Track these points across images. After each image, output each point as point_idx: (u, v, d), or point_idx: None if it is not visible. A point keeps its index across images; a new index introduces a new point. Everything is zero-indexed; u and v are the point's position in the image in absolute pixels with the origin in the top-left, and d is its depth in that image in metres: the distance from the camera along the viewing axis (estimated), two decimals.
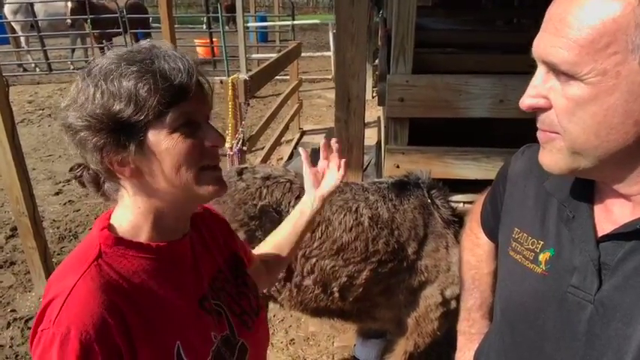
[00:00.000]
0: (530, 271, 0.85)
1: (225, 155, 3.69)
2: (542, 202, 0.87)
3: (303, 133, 6.17)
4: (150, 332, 0.75)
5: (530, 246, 0.86)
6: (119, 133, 0.73)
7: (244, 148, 3.67)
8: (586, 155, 0.69)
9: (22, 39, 10.93)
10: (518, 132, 3.24)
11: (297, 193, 1.79)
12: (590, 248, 0.76)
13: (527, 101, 0.72)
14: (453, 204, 2.67)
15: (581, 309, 0.76)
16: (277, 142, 5.05)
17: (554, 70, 0.69)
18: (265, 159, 4.40)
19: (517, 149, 2.71)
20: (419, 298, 1.95)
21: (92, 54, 10.97)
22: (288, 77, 6.51)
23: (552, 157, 0.73)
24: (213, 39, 11.21)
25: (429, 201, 1.95)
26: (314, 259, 1.77)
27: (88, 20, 10.29)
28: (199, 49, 12.02)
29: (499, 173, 1.05)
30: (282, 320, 2.99)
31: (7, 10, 10.91)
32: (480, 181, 2.63)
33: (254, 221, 1.73)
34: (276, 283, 1.81)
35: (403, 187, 1.97)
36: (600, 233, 0.76)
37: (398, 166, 2.52)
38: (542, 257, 0.83)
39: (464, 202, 2.75)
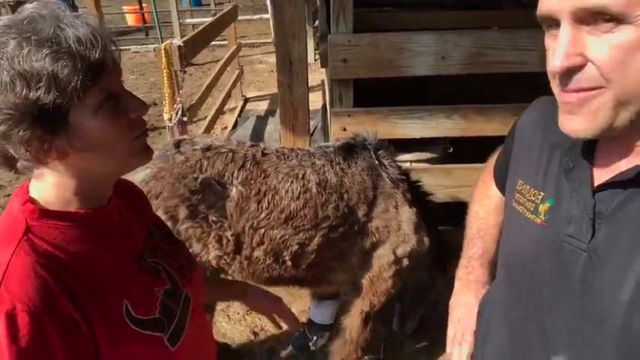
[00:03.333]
0: (530, 221, 0.86)
1: (165, 127, 3.52)
2: (547, 154, 0.87)
3: (246, 101, 5.99)
4: (96, 297, 0.76)
5: (531, 197, 0.87)
6: (42, 121, 0.70)
7: (184, 118, 3.50)
8: (631, 104, 0.67)
9: None
10: (457, 89, 3.28)
11: (240, 162, 1.71)
12: (586, 197, 0.77)
13: (560, 62, 0.67)
14: (400, 163, 2.69)
15: (575, 258, 0.77)
16: (220, 111, 4.87)
17: (589, 20, 0.64)
18: (208, 129, 4.23)
19: (459, 105, 2.68)
20: (372, 259, 1.95)
21: None
22: (226, 42, 6.24)
23: (589, 118, 0.69)
24: (143, 4, 10.53)
25: (377, 162, 1.93)
26: (262, 230, 1.71)
27: None
28: (129, 16, 11.31)
29: (512, 127, 1.04)
30: None
31: None
32: (425, 140, 2.65)
33: (196, 195, 1.64)
34: (225, 257, 1.75)
35: (350, 149, 1.93)
36: (597, 183, 0.77)
37: (345, 129, 2.48)
38: (541, 208, 0.84)
39: (411, 161, 2.78)
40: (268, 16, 9.01)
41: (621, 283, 0.71)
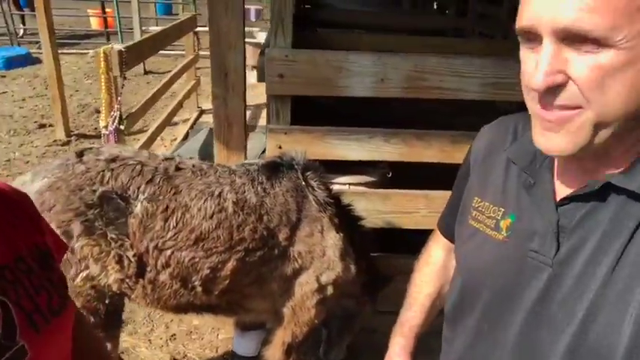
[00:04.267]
0: (491, 238, 0.86)
1: (100, 136, 3.33)
2: (504, 170, 0.88)
3: (201, 112, 5.82)
4: None
5: (491, 214, 0.87)
6: None
7: (121, 126, 3.33)
8: (611, 124, 0.67)
9: None
10: (396, 111, 3.24)
11: (148, 176, 1.57)
12: (550, 212, 0.78)
13: (542, 79, 0.65)
14: (336, 185, 2.60)
15: (539, 272, 0.78)
16: (167, 122, 4.69)
17: (573, 39, 0.64)
18: (152, 139, 4.05)
19: (399, 130, 2.60)
20: (294, 286, 1.84)
21: None
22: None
23: (569, 137, 0.68)
24: (107, 9, 10.26)
25: (303, 183, 1.83)
26: (169, 251, 1.57)
27: None
28: (93, 20, 11.01)
29: (464, 160, 1.05)
30: (162, 315, 2.76)
31: None
32: (365, 163, 2.58)
33: (92, 210, 1.49)
34: (127, 280, 1.59)
35: (275, 168, 1.82)
36: (560, 197, 0.78)
37: (280, 147, 2.38)
38: (503, 224, 0.84)
39: (349, 184, 2.69)
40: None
41: (581, 295, 0.73)
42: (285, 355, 2.00)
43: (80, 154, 1.57)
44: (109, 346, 1.71)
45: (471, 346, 0.92)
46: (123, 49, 3.27)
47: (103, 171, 1.53)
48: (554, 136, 0.70)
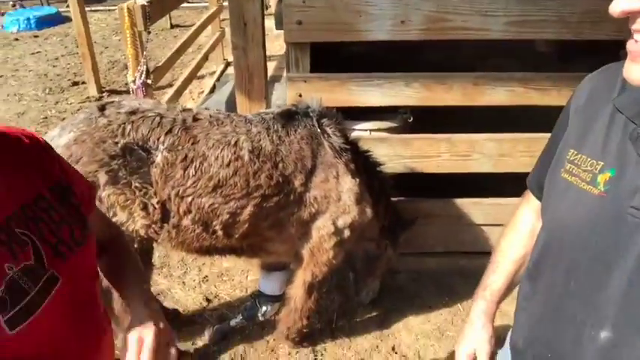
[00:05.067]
0: (586, 192, 0.81)
1: (129, 91, 3.42)
2: (607, 122, 0.83)
3: (227, 65, 5.83)
4: None
5: (588, 167, 0.82)
6: None
7: (149, 80, 3.40)
8: None
9: None
10: (422, 58, 3.16)
11: (167, 127, 1.64)
12: None
13: (621, 5, 0.65)
14: (356, 131, 2.61)
15: (639, 231, 0.73)
16: (194, 75, 4.74)
17: None
18: (179, 92, 4.13)
19: (419, 73, 2.54)
20: (311, 230, 1.91)
21: None
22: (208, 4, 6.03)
23: None
24: None
25: (319, 130, 1.86)
26: (189, 198, 1.66)
27: None
28: None
29: (563, 109, 0.99)
30: (195, 259, 2.93)
31: None
32: (385, 108, 2.56)
33: (116, 160, 1.57)
34: (153, 225, 1.70)
35: (291, 117, 1.85)
36: None
37: (301, 95, 2.39)
38: (601, 178, 0.80)
39: (370, 130, 2.70)
40: None
41: None
42: (307, 294, 2.11)
43: (102, 108, 1.65)
44: None
45: (555, 304, 0.88)
46: (146, 4, 3.29)
47: (124, 123, 1.61)
48: (635, 67, 0.69)
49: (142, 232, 1.71)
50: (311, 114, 1.88)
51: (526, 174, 2.47)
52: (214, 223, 1.72)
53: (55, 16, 8.30)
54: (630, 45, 0.69)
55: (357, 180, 1.90)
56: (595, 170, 0.81)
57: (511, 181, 2.66)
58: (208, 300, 2.69)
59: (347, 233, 1.94)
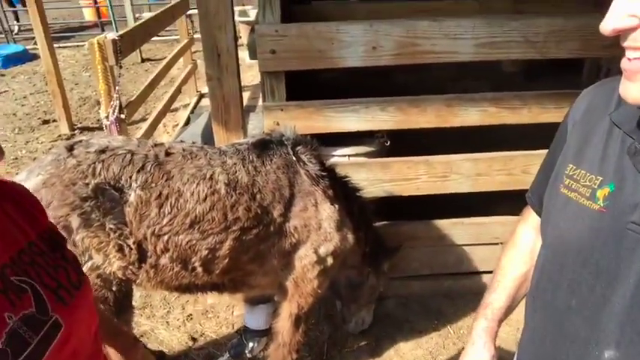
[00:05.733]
0: (586, 208, 0.81)
1: (103, 127, 3.36)
2: (605, 137, 0.82)
3: (201, 96, 5.82)
4: None
5: (587, 182, 0.82)
6: None
7: (122, 115, 3.35)
8: None
9: None
10: (394, 81, 3.21)
11: (139, 164, 1.60)
12: None
13: (612, 24, 0.65)
14: (335, 157, 2.61)
15: None
16: (168, 108, 4.70)
17: None
18: (153, 126, 4.08)
19: (394, 97, 2.57)
20: (294, 260, 1.87)
21: None
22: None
23: None
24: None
25: (294, 159, 1.84)
26: (166, 236, 1.61)
27: None
28: (85, 11, 10.97)
29: (561, 123, 0.99)
30: (178, 297, 2.84)
31: None
32: (363, 133, 2.57)
33: (88, 202, 1.52)
34: (130, 266, 1.64)
35: (265, 146, 1.83)
36: None
37: (278, 124, 2.38)
38: (600, 193, 0.79)
39: (348, 156, 2.70)
40: None
41: None
42: (294, 327, 2.05)
43: (70, 148, 1.60)
44: None
45: (558, 323, 0.86)
46: (117, 38, 3.27)
47: (94, 163, 1.56)
48: (631, 85, 0.68)
49: (120, 274, 1.64)
50: (285, 142, 1.86)
51: (503, 192, 2.48)
52: (193, 260, 1.67)
53: (23, 54, 8.19)
54: (624, 63, 0.69)
55: (337, 206, 1.88)
56: (594, 185, 0.81)
57: (491, 199, 2.70)
58: (194, 339, 2.60)
59: (330, 261, 1.91)
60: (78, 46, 8.71)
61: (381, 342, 2.57)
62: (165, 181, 1.62)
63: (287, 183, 1.79)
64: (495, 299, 1.12)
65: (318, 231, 1.84)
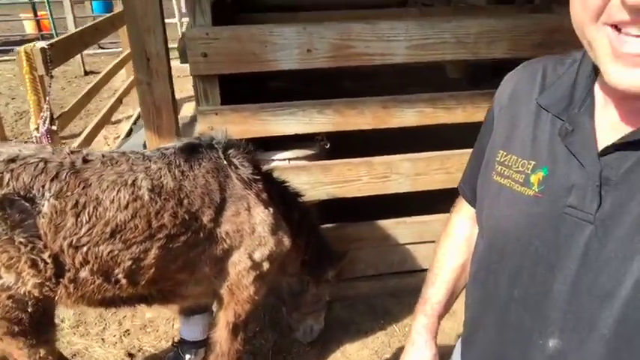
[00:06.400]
0: (520, 194, 0.79)
1: (33, 139, 3.20)
2: (533, 121, 0.81)
3: None
4: None
5: (519, 168, 0.80)
6: None
7: (54, 127, 3.20)
8: None
9: None
10: (341, 88, 3.22)
11: (53, 173, 1.50)
12: (591, 162, 0.70)
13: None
14: (275, 161, 2.57)
15: (579, 230, 0.70)
16: (107, 119, 4.54)
17: None
18: (90, 138, 3.92)
19: (331, 100, 2.59)
20: (227, 267, 1.81)
21: None
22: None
23: None
24: (39, 12, 9.81)
25: (225, 162, 1.79)
26: (85, 248, 1.51)
27: None
28: (26, 24, 10.54)
29: (487, 113, 0.97)
30: (115, 313, 2.71)
31: None
32: (302, 137, 2.55)
33: None
34: (47, 283, 1.53)
35: (193, 150, 1.77)
36: (603, 145, 0.69)
37: (212, 129, 2.32)
38: (534, 178, 0.77)
39: (289, 159, 2.67)
40: (175, 20, 8.65)
41: (632, 255, 0.65)
42: (232, 335, 1.98)
43: None
44: (41, 352, 1.66)
45: (501, 314, 0.84)
46: (46, 46, 3.13)
47: (2, 173, 1.45)
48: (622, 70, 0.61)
49: (36, 293, 1.53)
50: (216, 146, 1.81)
51: (443, 191, 2.50)
52: (116, 271, 1.58)
53: None
54: (628, 47, 0.62)
55: (271, 210, 1.84)
56: (527, 170, 0.79)
57: (432, 198, 2.73)
58: (131, 355, 2.48)
59: (266, 266, 1.86)
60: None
61: (328, 345, 2.54)
62: (83, 189, 1.53)
63: (217, 187, 1.74)
64: (434, 294, 1.09)
65: (251, 235, 1.80)
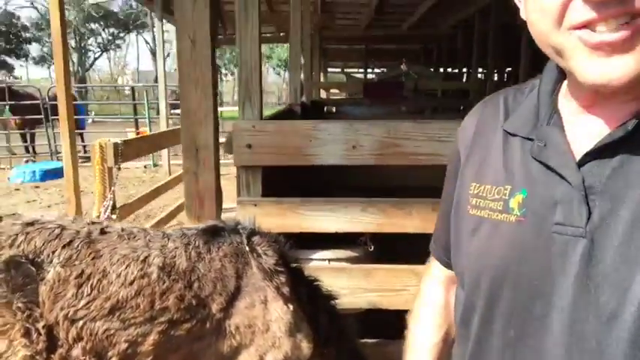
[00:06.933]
0: (501, 222, 0.75)
1: None
2: (502, 148, 0.80)
3: None
4: None
5: (495, 195, 0.77)
6: None
7: (113, 216, 3.33)
8: None
9: None
10: (374, 182, 3.12)
11: (66, 240, 1.47)
12: (572, 173, 0.68)
13: None
14: (314, 261, 2.41)
15: (571, 248, 0.66)
16: (164, 221, 4.68)
17: None
18: None
19: (376, 198, 2.49)
20: None
21: (11, 140, 10.58)
22: None
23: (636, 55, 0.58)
24: (140, 128, 11.14)
25: (247, 248, 1.67)
26: (81, 322, 1.40)
27: (7, 106, 10.00)
28: (130, 136, 11.93)
29: (450, 156, 0.97)
30: None
31: None
32: (343, 237, 2.40)
33: None
34: (37, 357, 1.41)
35: (215, 232, 1.68)
36: (579, 155, 0.68)
37: None
38: (513, 202, 0.74)
39: (329, 260, 2.50)
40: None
41: (631, 266, 0.60)
42: None
43: None
44: None
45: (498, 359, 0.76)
46: (119, 142, 3.40)
47: (17, 235, 1.44)
48: (622, 58, 0.58)
49: None
50: (240, 231, 1.71)
51: None
52: (109, 354, 1.43)
53: (60, 170, 8.72)
54: (601, 37, 0.60)
55: (292, 307, 1.65)
56: (504, 196, 0.74)
57: None
58: None
59: None
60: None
61: None
62: (92, 259, 1.46)
63: (233, 273, 1.60)
64: None
65: (264, 334, 1.59)
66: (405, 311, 2.38)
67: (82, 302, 1.41)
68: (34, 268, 1.42)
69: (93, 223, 1.59)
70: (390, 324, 2.37)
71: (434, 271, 1.04)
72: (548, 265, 0.67)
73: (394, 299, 2.34)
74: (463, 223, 0.82)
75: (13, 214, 1.60)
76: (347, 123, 2.30)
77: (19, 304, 1.39)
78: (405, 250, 2.56)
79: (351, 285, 2.33)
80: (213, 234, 1.68)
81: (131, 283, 1.46)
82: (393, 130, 2.27)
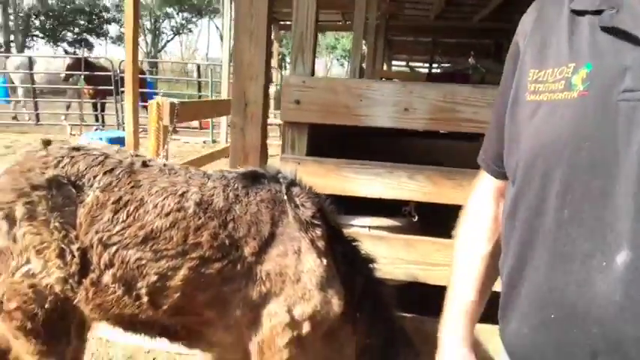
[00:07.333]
0: (562, 101, 0.74)
1: None
2: (568, 29, 0.78)
3: None
4: None
5: (557, 76, 0.76)
6: None
7: None
8: None
9: (20, 91, 11.25)
10: (425, 148, 2.95)
11: (108, 167, 1.47)
12: None
13: None
14: (354, 227, 2.32)
15: (639, 113, 0.65)
16: None
17: None
18: None
19: (425, 166, 2.39)
20: (261, 316, 1.55)
21: (83, 109, 11.19)
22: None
23: None
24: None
25: (285, 197, 1.62)
26: (114, 248, 1.41)
27: (82, 76, 10.56)
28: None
29: (508, 54, 0.94)
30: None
31: (8, 63, 11.36)
32: (387, 204, 2.29)
33: (38, 191, 1.40)
34: (70, 280, 1.43)
35: (255, 178, 1.64)
36: None
37: None
38: (576, 79, 0.74)
39: (369, 227, 2.41)
40: None
41: None
42: None
43: (47, 143, 1.54)
44: None
45: (550, 247, 0.75)
46: (175, 102, 3.46)
47: (63, 157, 1.47)
48: None
49: (57, 288, 1.44)
50: (281, 180, 1.66)
51: None
52: (139, 284, 1.43)
53: (123, 139, 9.14)
54: None
55: (325, 262, 1.58)
56: (567, 75, 0.74)
57: None
58: None
59: (306, 328, 1.55)
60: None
61: None
62: (131, 187, 1.47)
63: (269, 219, 1.56)
64: (464, 293, 0.97)
65: (295, 285, 1.53)
66: (446, 287, 2.25)
67: (117, 228, 1.42)
68: (74, 191, 1.44)
69: (137, 155, 1.59)
70: (429, 299, 2.26)
71: (483, 184, 1.02)
72: (613, 136, 0.66)
73: (435, 274, 2.22)
74: (520, 111, 0.80)
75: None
76: (400, 84, 2.19)
77: (57, 224, 1.41)
78: (452, 224, 2.42)
79: (391, 254, 2.23)
80: (253, 179, 1.64)
81: (167, 215, 1.45)
82: (450, 93, 2.14)
